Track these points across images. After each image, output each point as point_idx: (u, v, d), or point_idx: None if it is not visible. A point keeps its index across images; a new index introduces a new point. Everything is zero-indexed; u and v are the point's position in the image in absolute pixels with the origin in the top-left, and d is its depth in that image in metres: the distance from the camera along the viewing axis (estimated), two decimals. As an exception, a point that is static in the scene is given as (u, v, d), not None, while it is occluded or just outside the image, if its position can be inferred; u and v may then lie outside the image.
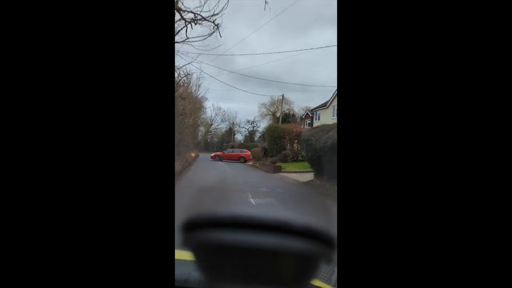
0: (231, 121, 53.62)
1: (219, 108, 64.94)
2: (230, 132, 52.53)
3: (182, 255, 0.93)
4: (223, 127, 56.50)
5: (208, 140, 55.26)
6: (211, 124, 56.15)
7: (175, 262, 0.89)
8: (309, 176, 10.38)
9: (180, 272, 0.79)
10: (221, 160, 21.02)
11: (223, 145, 43.51)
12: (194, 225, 0.24)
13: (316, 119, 24.72)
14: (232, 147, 28.62)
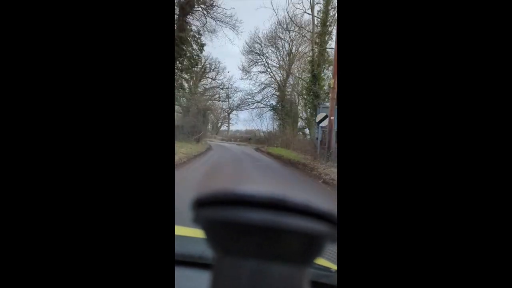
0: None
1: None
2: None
3: (195, 232, 0.94)
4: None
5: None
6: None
7: (187, 239, 0.91)
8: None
9: (194, 249, 0.81)
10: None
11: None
12: (204, 203, 0.25)
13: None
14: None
